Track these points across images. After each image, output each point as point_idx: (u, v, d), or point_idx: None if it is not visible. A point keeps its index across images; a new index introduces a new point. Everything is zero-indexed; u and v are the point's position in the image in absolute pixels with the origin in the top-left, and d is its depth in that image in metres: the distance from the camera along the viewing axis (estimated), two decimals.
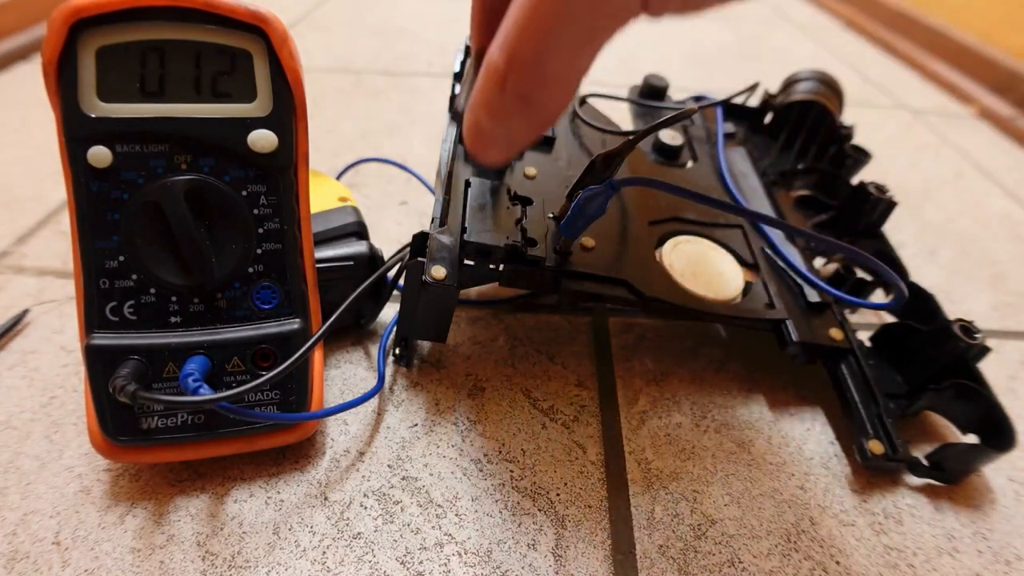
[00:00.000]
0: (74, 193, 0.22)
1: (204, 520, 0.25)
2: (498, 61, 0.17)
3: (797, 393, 0.33)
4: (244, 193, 0.24)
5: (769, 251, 0.36)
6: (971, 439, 0.30)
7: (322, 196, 0.34)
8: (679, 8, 0.16)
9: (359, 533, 0.25)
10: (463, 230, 0.28)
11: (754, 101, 0.48)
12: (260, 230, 0.24)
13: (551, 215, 0.31)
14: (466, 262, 0.28)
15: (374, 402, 0.31)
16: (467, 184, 0.31)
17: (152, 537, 0.24)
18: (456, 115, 0.32)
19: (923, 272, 0.45)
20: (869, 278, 0.37)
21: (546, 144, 0.37)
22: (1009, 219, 0.53)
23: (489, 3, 0.22)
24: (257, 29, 0.22)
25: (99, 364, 0.23)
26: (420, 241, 0.28)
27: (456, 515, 0.26)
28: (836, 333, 0.32)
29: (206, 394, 0.21)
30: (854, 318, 0.39)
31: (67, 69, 0.21)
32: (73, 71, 0.21)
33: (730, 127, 0.45)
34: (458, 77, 0.37)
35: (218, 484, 0.26)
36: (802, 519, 0.27)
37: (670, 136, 0.41)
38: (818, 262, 0.39)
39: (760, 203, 0.39)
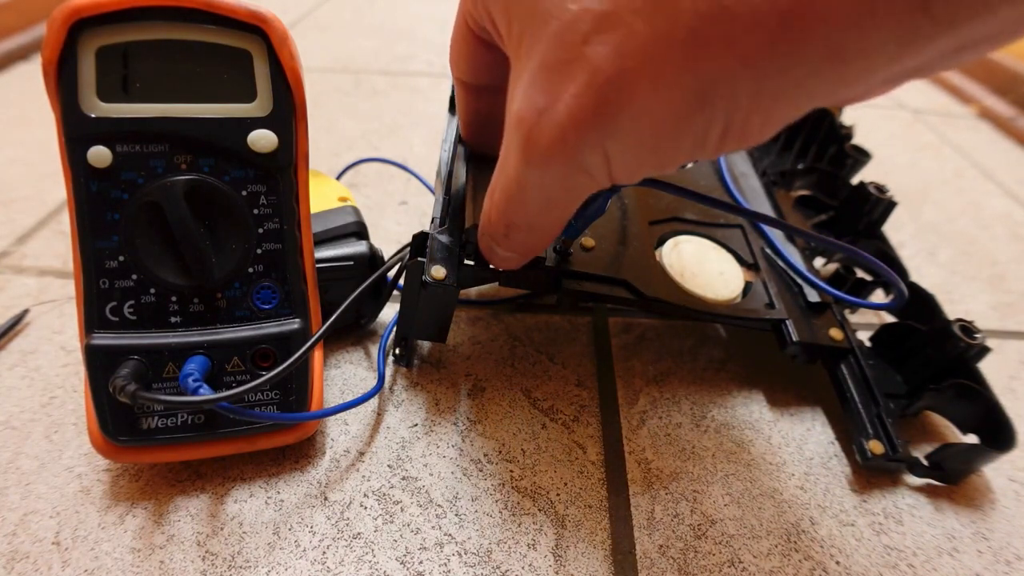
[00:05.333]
0: (74, 193, 0.22)
1: (204, 520, 0.25)
2: (494, 226, 0.23)
3: (797, 393, 0.33)
4: (244, 193, 0.24)
5: (769, 251, 0.36)
6: (971, 439, 0.30)
7: (322, 196, 0.34)
8: (649, 174, 0.19)
9: (359, 533, 0.25)
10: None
11: None
12: (260, 230, 0.24)
13: None
14: (466, 262, 0.28)
15: (374, 402, 0.31)
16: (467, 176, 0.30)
17: (152, 537, 0.24)
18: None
19: (923, 272, 0.45)
20: (869, 278, 0.37)
21: None
22: (1009, 219, 0.53)
23: (481, 113, 0.28)
24: (257, 29, 0.22)
25: (99, 364, 0.23)
26: (420, 241, 0.28)
27: (456, 515, 0.26)
28: (836, 333, 0.32)
29: (206, 394, 0.21)
30: (854, 318, 0.39)
31: (67, 69, 0.21)
32: (73, 71, 0.21)
33: None
34: None
35: (218, 484, 0.26)
36: (802, 519, 0.27)
37: None
38: (818, 262, 0.39)
39: (760, 203, 0.39)
